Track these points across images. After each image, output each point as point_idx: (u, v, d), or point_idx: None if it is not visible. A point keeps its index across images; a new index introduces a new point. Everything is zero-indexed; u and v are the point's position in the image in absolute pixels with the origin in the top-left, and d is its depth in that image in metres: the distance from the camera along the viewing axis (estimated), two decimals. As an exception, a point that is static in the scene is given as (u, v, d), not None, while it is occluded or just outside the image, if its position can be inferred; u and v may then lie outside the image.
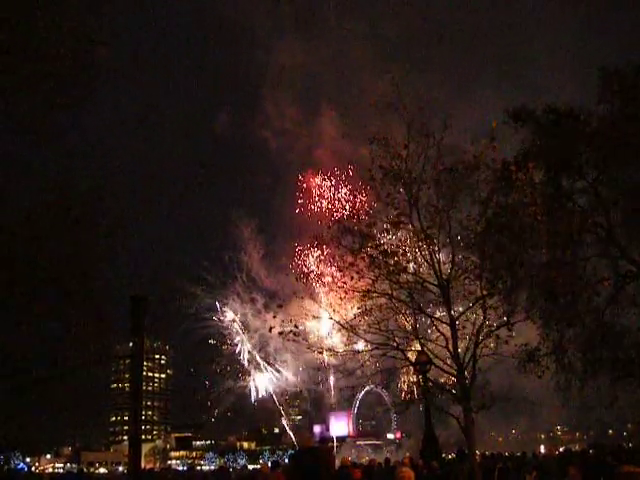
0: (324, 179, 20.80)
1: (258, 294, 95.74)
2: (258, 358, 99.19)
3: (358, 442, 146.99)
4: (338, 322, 21.88)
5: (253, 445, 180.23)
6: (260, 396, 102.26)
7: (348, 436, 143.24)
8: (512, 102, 24.68)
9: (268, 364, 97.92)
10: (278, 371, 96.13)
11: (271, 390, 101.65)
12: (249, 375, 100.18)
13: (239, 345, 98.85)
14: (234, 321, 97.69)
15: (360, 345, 22.70)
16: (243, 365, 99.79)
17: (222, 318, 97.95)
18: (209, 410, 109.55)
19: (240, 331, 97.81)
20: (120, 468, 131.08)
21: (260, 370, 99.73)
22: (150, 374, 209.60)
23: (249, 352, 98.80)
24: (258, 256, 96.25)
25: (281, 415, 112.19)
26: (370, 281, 21.35)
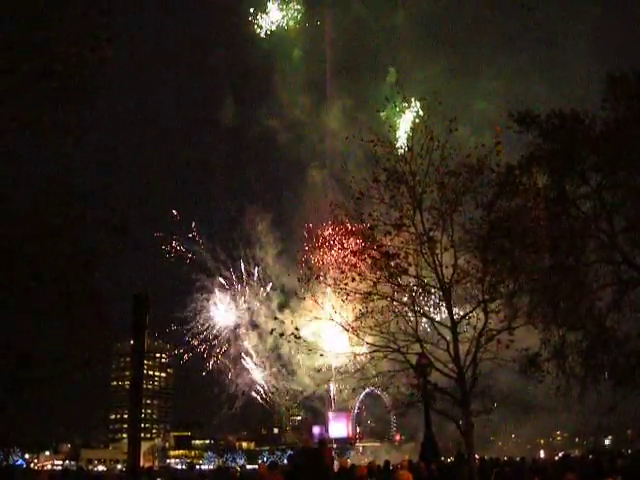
0: (332, 232, 20.85)
1: (273, 293, 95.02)
2: (254, 357, 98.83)
3: (357, 444, 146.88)
4: (340, 324, 21.85)
5: (252, 445, 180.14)
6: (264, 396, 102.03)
7: (348, 438, 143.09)
8: (517, 105, 24.67)
9: (281, 366, 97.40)
10: (293, 372, 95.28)
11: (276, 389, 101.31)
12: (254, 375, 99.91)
13: (243, 344, 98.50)
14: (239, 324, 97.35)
15: (363, 348, 22.67)
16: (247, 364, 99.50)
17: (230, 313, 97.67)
18: (212, 409, 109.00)
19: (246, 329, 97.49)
20: (119, 466, 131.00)
21: (265, 370, 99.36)
22: (150, 372, 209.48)
23: (254, 351, 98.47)
24: (273, 252, 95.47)
25: (282, 415, 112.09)
26: (372, 283, 21.33)
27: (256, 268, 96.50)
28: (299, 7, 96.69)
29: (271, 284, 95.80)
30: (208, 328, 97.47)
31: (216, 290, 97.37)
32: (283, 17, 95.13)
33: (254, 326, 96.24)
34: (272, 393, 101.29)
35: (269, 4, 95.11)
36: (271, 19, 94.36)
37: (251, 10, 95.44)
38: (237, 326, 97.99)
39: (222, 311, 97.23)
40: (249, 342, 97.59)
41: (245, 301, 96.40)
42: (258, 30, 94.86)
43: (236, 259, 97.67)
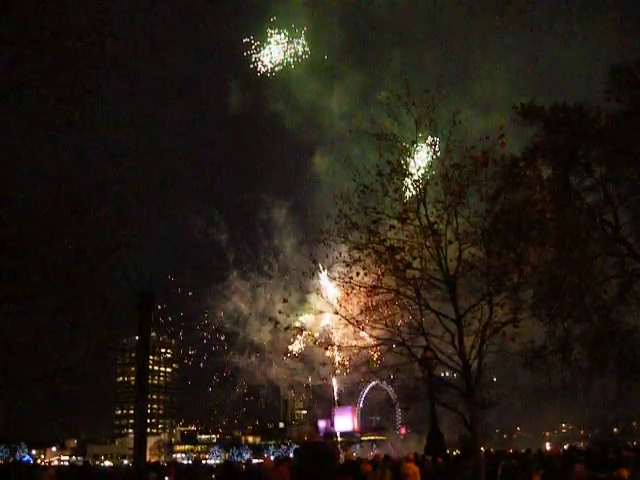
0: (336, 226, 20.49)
1: (292, 285, 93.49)
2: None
3: (363, 437, 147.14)
4: (344, 317, 21.84)
5: (258, 439, 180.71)
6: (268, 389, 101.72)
7: (353, 431, 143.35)
8: (520, 98, 24.64)
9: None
10: (310, 367, 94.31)
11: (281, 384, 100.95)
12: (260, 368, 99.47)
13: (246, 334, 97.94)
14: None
15: (366, 340, 22.66)
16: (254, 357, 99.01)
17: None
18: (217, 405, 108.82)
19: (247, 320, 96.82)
20: (125, 461, 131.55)
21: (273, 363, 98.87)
22: (156, 368, 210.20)
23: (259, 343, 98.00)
24: (293, 242, 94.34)
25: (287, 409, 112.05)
26: (376, 277, 21.30)
27: (275, 258, 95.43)
28: (303, 42, 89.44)
29: (292, 274, 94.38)
30: (222, 320, 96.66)
31: (234, 281, 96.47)
32: (285, 54, 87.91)
33: (270, 318, 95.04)
34: (283, 387, 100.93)
35: (270, 38, 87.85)
36: (272, 52, 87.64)
37: (250, 42, 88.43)
38: (251, 318, 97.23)
39: (238, 300, 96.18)
40: (263, 335, 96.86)
41: (264, 292, 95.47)
42: (257, 66, 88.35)
43: (256, 249, 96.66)
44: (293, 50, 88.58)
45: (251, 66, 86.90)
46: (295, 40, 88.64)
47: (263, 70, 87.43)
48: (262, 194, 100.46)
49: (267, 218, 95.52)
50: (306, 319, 23.74)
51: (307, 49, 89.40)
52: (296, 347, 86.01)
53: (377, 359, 22.87)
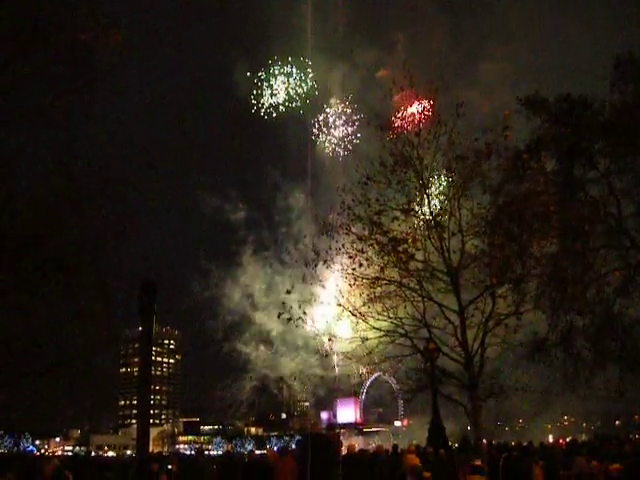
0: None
1: (302, 276, 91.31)
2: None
3: (365, 429, 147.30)
4: (347, 308, 21.83)
5: (260, 431, 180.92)
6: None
7: (356, 423, 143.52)
8: (524, 90, 24.56)
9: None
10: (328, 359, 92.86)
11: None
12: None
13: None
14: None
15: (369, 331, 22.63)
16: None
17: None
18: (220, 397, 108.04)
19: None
20: (128, 451, 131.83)
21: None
22: (159, 359, 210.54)
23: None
24: (312, 229, 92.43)
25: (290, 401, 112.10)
26: (379, 268, 21.27)
27: (295, 246, 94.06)
28: (310, 77, 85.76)
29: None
30: (233, 309, 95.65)
31: (249, 267, 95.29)
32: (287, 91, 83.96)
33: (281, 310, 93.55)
34: (288, 378, 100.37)
35: (273, 80, 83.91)
36: (275, 91, 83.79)
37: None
38: (265, 307, 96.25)
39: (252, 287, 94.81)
40: (274, 325, 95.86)
41: (281, 280, 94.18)
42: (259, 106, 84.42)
43: (275, 235, 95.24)
44: (299, 89, 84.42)
45: (253, 110, 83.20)
46: (301, 74, 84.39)
47: (268, 111, 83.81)
48: (277, 178, 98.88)
49: (284, 204, 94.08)
50: (311, 310, 23.66)
51: (313, 83, 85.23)
52: (301, 339, 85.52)
53: (382, 350, 22.85)
